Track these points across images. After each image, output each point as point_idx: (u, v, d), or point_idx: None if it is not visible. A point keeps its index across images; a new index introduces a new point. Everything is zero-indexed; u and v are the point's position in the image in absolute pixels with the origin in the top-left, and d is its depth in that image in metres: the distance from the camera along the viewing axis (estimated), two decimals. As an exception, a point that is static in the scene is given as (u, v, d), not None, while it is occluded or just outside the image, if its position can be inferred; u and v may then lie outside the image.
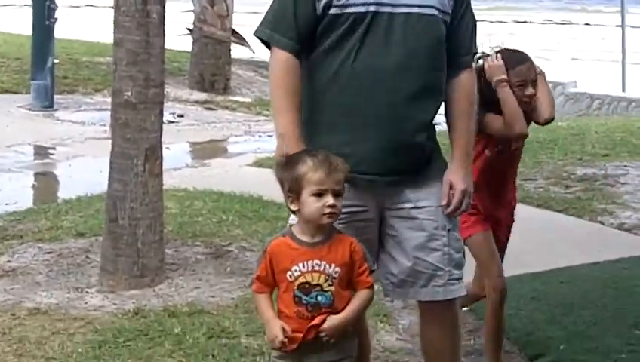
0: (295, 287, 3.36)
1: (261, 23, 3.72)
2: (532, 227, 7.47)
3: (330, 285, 3.36)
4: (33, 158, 10.91)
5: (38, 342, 4.95)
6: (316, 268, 3.35)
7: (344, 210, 3.49)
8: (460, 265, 3.78)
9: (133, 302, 5.58)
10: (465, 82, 3.78)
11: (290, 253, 3.37)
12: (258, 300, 3.47)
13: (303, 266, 3.35)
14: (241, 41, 16.15)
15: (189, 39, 15.64)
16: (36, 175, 10.12)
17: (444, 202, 3.71)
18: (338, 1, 3.58)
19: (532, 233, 7.24)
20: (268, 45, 3.70)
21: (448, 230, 3.74)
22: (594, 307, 5.42)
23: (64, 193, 8.82)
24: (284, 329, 3.36)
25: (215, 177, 9.49)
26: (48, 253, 6.47)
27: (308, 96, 3.65)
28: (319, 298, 3.36)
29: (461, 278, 3.79)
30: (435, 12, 3.64)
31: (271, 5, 3.73)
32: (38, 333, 5.07)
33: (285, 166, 3.42)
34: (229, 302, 5.59)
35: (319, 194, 3.33)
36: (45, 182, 10.11)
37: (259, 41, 3.75)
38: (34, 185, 9.90)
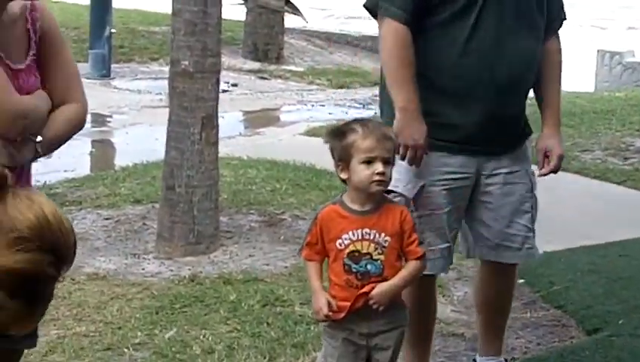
0: (345, 256, 3.36)
1: None
2: (589, 199, 7.45)
3: (379, 254, 3.35)
4: (91, 126, 11.01)
5: (97, 307, 5.04)
6: (366, 236, 3.35)
7: (447, 177, 3.65)
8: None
9: (189, 269, 5.66)
10: (555, 49, 3.88)
11: (340, 221, 3.37)
12: (307, 267, 3.48)
13: (353, 234, 3.35)
14: (295, 10, 16.17)
15: (243, 9, 15.67)
16: (94, 142, 10.24)
17: (544, 171, 3.86)
18: None
19: (589, 205, 7.22)
20: (374, 15, 3.71)
21: (534, 190, 3.90)
22: (653, 280, 5.37)
23: (121, 160, 8.92)
24: (329, 303, 3.36)
25: (268, 146, 9.54)
26: (106, 219, 6.57)
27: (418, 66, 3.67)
28: (369, 266, 3.35)
29: None
30: None
31: None
32: (97, 298, 5.16)
33: (335, 134, 3.43)
34: (282, 270, 5.65)
35: (368, 162, 3.31)
36: (103, 150, 10.23)
37: (366, 10, 3.76)
38: (92, 152, 10.02)
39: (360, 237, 3.34)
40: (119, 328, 4.76)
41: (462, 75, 3.65)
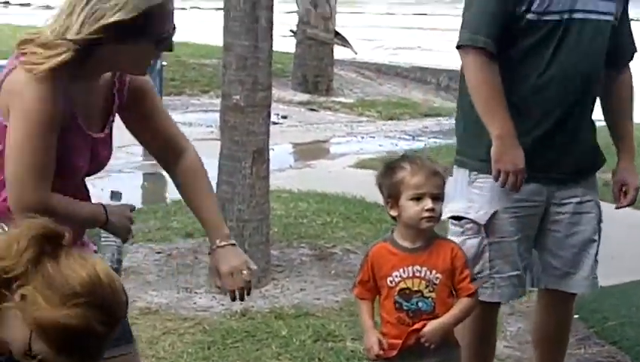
0: (395, 293, 3.36)
1: (471, 28, 3.70)
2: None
3: (431, 291, 3.35)
4: (143, 159, 11.11)
5: (150, 342, 5.05)
6: (417, 274, 3.35)
7: (517, 204, 3.67)
8: None
9: (241, 303, 5.62)
10: (627, 80, 3.94)
11: (390, 259, 3.37)
12: (359, 305, 3.49)
13: (404, 272, 3.35)
14: (344, 42, 16.23)
15: (292, 40, 15.75)
16: (145, 175, 10.31)
17: (621, 204, 3.92)
18: (536, 7, 3.64)
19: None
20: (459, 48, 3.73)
21: (601, 221, 3.92)
22: None
23: (173, 193, 8.94)
24: (380, 342, 3.37)
25: (318, 178, 9.54)
26: (158, 253, 6.60)
27: None
28: (420, 304, 3.36)
29: None
30: (611, 18, 3.76)
31: (467, 8, 3.75)
32: (150, 333, 5.17)
33: (384, 171, 3.43)
34: (334, 304, 5.63)
35: (417, 198, 3.32)
36: (154, 183, 10.29)
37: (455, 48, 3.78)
38: (144, 185, 10.09)
39: (411, 275, 3.34)
40: (171, 363, 4.78)
41: (538, 102, 3.69)
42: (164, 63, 13.54)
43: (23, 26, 19.75)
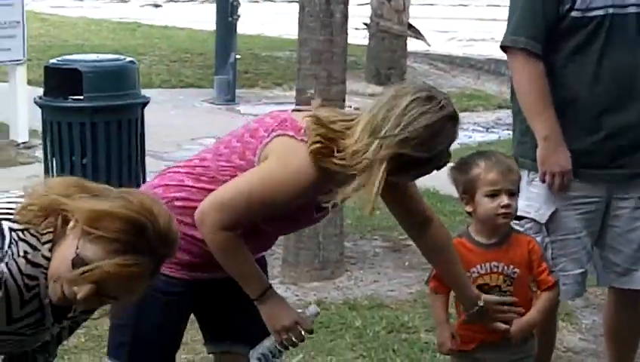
0: (475, 287, 3.38)
1: (512, 30, 3.74)
2: None
3: (509, 285, 3.38)
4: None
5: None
6: (494, 269, 3.38)
7: (579, 201, 3.68)
8: None
9: (315, 294, 5.72)
10: None
11: (467, 255, 3.40)
12: (433, 299, 3.53)
13: (481, 268, 3.39)
14: (417, 34, 16.18)
15: (364, 33, 15.76)
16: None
17: None
18: (580, 4, 3.64)
19: None
20: (505, 50, 3.75)
21: None
22: None
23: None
24: (453, 336, 3.41)
25: (392, 171, 9.55)
26: (233, 245, 6.67)
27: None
28: None
29: None
30: None
31: (511, 10, 3.77)
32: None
33: (459, 168, 3.45)
34: (407, 296, 5.67)
35: (493, 195, 3.34)
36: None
37: (500, 49, 3.81)
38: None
39: (489, 271, 3.38)
40: (247, 353, 4.84)
41: (593, 100, 3.67)
42: (238, 56, 13.64)
43: (96, 19, 20.05)
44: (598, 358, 4.70)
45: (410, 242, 6.56)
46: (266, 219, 3.05)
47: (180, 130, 10.29)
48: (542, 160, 3.66)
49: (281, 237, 6.32)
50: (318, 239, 6.01)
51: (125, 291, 2.42)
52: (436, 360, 4.67)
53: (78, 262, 2.35)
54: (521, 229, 3.69)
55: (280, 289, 5.79)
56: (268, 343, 3.12)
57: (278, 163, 2.95)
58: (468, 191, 3.40)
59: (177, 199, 3.06)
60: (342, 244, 6.18)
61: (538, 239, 3.65)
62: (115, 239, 2.35)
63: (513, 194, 3.37)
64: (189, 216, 3.02)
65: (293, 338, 3.07)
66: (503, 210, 3.34)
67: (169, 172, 3.17)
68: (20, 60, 8.84)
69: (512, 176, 3.38)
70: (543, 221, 3.68)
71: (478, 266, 3.39)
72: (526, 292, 3.42)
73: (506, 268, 3.38)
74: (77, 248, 2.36)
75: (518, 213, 3.65)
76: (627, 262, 3.83)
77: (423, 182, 8.99)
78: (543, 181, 3.68)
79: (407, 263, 6.25)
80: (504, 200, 3.34)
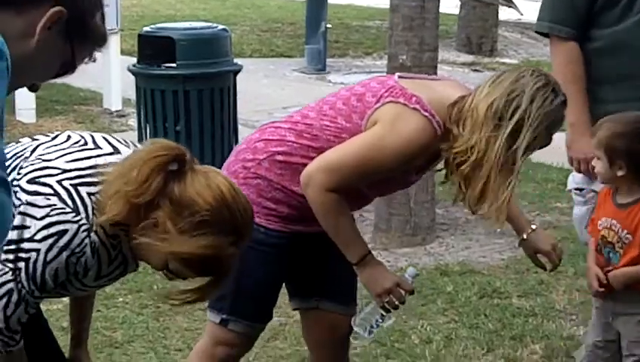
0: (599, 237, 3.50)
1: (539, 16, 3.76)
2: None
3: (620, 247, 3.44)
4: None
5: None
6: (613, 227, 3.45)
7: None
8: None
9: (406, 260, 5.74)
10: None
11: (605, 205, 3.51)
12: (590, 241, 3.62)
13: (605, 221, 3.47)
14: (509, 3, 16.00)
15: (457, 2, 15.65)
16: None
17: None
18: None
19: None
20: (546, 35, 3.75)
21: None
22: None
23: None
24: (598, 277, 3.48)
25: (483, 139, 9.50)
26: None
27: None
28: (610, 255, 3.47)
29: None
30: None
31: None
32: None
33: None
34: (499, 262, 5.66)
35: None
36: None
37: (538, 34, 3.83)
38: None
39: (609, 226, 3.46)
40: (339, 316, 4.88)
41: (636, 77, 3.60)
42: (329, 26, 13.66)
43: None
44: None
45: (502, 209, 6.60)
46: (370, 183, 3.08)
47: (271, 98, 10.37)
48: (567, 145, 3.69)
49: (372, 203, 6.40)
50: (409, 205, 6.03)
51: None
52: (528, 325, 4.67)
53: (166, 271, 2.45)
54: (583, 200, 3.74)
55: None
56: (369, 308, 3.16)
57: (389, 129, 2.99)
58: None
59: (279, 153, 3.11)
60: (433, 211, 6.18)
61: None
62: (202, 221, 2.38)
63: (598, 158, 3.42)
64: (289, 171, 3.07)
65: (395, 301, 3.10)
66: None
67: (270, 127, 3.22)
68: (113, 29, 8.93)
69: (593, 140, 3.43)
70: (599, 189, 3.66)
71: (604, 219, 3.48)
72: (636, 261, 3.42)
73: (621, 230, 3.43)
74: (166, 263, 2.42)
75: (580, 185, 3.68)
76: None
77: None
78: (571, 164, 3.70)
79: (498, 230, 6.22)
80: (593, 160, 3.45)
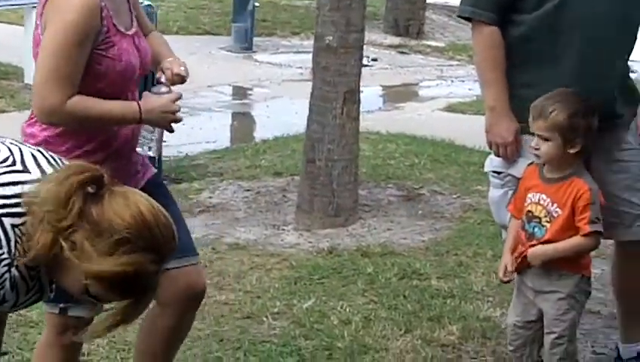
0: (524, 212, 3.57)
1: (462, 0, 3.77)
2: None
3: (547, 221, 3.51)
4: (232, 98, 11.25)
5: (237, 276, 5.17)
6: (541, 201, 3.53)
7: None
8: None
9: (328, 241, 5.75)
10: None
11: (531, 181, 3.58)
12: (509, 222, 3.68)
13: (533, 196, 3.54)
14: (437, -15, 16.08)
15: (385, -17, 15.68)
16: (235, 115, 10.44)
17: (639, 132, 3.78)
18: None
19: None
20: (469, 19, 3.76)
21: None
22: None
23: (261, 133, 9.08)
24: (505, 268, 3.59)
25: (407, 121, 9.56)
26: (247, 190, 6.72)
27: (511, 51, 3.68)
28: (535, 229, 3.54)
29: None
30: None
31: None
32: (237, 268, 5.30)
33: None
34: (420, 244, 5.70)
35: (533, 134, 3.52)
36: (243, 122, 10.43)
37: (461, 18, 3.85)
38: (232, 124, 10.22)
39: (536, 200, 3.54)
40: (258, 297, 4.88)
41: (560, 59, 3.62)
42: (257, 4, 13.60)
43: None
44: (605, 306, 4.73)
45: (424, 191, 6.66)
46: (95, 76, 3.10)
47: (197, 77, 10.23)
48: (486, 129, 3.71)
49: (295, 185, 6.41)
50: (332, 186, 6.04)
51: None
52: (446, 306, 4.71)
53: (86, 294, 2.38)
54: (501, 182, 3.77)
55: (293, 236, 5.87)
56: (142, 132, 3.30)
57: (56, 20, 3.05)
58: None
59: (48, 138, 3.15)
60: (356, 192, 6.20)
61: (512, 193, 3.72)
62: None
63: (545, 138, 3.48)
64: (63, 140, 3.14)
65: (172, 116, 3.23)
66: (532, 151, 3.53)
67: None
68: (34, 3, 8.86)
69: (541, 122, 3.48)
70: (519, 175, 3.69)
71: (531, 194, 3.55)
72: (563, 235, 3.49)
73: (550, 204, 3.50)
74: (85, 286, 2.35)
75: (497, 169, 3.72)
76: (607, 215, 3.67)
77: (439, 132, 9.03)
78: (490, 147, 3.73)
79: (420, 212, 6.27)
80: (533, 141, 3.52)
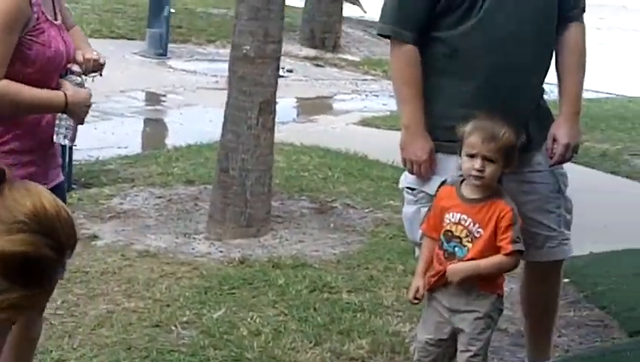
0: (442, 232, 3.56)
1: (380, 17, 3.78)
2: (636, 203, 7.44)
3: (469, 241, 3.52)
4: (145, 104, 11.16)
5: (147, 284, 5.11)
6: (462, 222, 3.52)
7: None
8: (570, 226, 3.92)
9: (239, 251, 5.73)
10: (573, 37, 3.81)
11: (449, 202, 3.57)
12: (423, 242, 3.67)
13: (453, 216, 3.53)
14: (354, 0, 16.20)
15: (302, -5, 15.74)
16: (147, 121, 10.36)
17: (551, 161, 3.79)
18: None
19: (636, 209, 7.20)
20: (388, 37, 3.77)
21: (561, 191, 3.86)
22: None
23: (174, 140, 9.02)
24: (417, 290, 3.60)
25: (321, 133, 9.59)
26: (159, 197, 6.66)
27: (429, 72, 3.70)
28: (456, 249, 3.54)
29: (570, 238, 3.91)
30: None
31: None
32: (147, 275, 5.24)
33: (465, 122, 3.54)
34: (331, 257, 5.70)
35: (472, 156, 3.48)
36: (156, 129, 10.35)
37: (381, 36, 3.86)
38: (145, 130, 10.14)
39: (457, 221, 3.53)
40: (168, 306, 4.83)
41: (477, 79, 3.65)
42: (173, 10, 13.54)
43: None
44: (513, 324, 4.78)
45: (336, 204, 6.68)
46: (24, 61, 3.15)
47: (109, 81, 10.13)
48: (401, 146, 3.74)
49: (208, 193, 6.37)
50: (245, 196, 6.02)
51: None
52: (356, 320, 4.72)
53: None
54: (414, 199, 3.79)
55: (204, 245, 5.83)
56: (61, 121, 3.34)
57: None
58: (460, 145, 3.55)
59: None
60: (269, 203, 6.19)
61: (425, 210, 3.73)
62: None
63: (492, 161, 3.48)
64: None
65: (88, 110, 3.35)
66: (474, 173, 3.49)
67: None
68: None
69: (492, 144, 3.48)
70: (432, 192, 3.72)
71: (451, 214, 3.54)
72: (485, 254, 3.51)
73: (472, 225, 3.51)
74: None
75: (411, 185, 3.74)
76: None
77: (352, 146, 9.07)
78: (405, 165, 3.75)
79: (332, 225, 6.28)
80: (477, 164, 3.47)
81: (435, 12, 3.65)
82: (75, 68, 3.38)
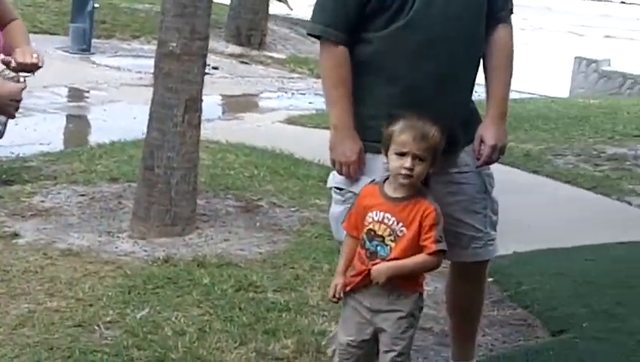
0: (364, 231, 3.54)
1: (311, 17, 3.76)
2: (559, 203, 7.55)
3: (392, 241, 3.51)
4: (68, 100, 11.02)
5: (69, 283, 5.04)
6: (385, 220, 3.51)
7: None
8: (495, 226, 3.94)
9: (164, 250, 5.68)
10: (501, 39, 3.82)
11: (372, 200, 3.55)
12: (344, 240, 3.67)
13: (376, 215, 3.52)
14: (280, -3, 16.18)
15: (228, -8, 15.67)
16: (70, 117, 10.23)
17: (478, 163, 3.81)
18: None
19: (560, 209, 7.30)
20: (318, 37, 3.75)
21: (487, 192, 3.88)
22: (619, 286, 5.41)
23: (98, 137, 8.92)
24: (335, 287, 3.59)
25: (247, 131, 9.56)
26: (82, 195, 6.58)
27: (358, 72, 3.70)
28: (378, 248, 3.52)
29: (496, 238, 3.94)
30: None
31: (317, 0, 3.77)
32: (70, 274, 5.17)
33: (390, 119, 3.53)
34: (257, 256, 5.68)
35: (402, 154, 3.47)
36: (79, 125, 10.22)
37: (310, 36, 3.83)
38: (68, 127, 10.01)
39: (380, 219, 3.52)
40: (91, 305, 4.77)
41: (406, 80, 3.66)
42: (96, 5, 13.38)
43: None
44: (438, 323, 4.81)
45: (262, 203, 6.65)
46: None
47: (32, 77, 10.04)
48: (330, 147, 3.73)
49: (132, 191, 6.30)
50: (170, 195, 5.96)
51: None
52: (282, 319, 4.70)
53: None
54: (342, 198, 3.78)
55: (128, 244, 5.76)
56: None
57: None
58: (385, 145, 3.53)
59: None
60: (194, 201, 6.14)
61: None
62: None
63: (421, 159, 3.48)
64: None
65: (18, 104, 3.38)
66: (404, 171, 3.48)
67: None
68: None
69: (423, 143, 3.48)
70: (358, 191, 3.72)
71: (374, 213, 3.53)
72: (408, 254, 3.51)
73: (395, 223, 3.50)
74: None
75: (340, 185, 3.74)
76: (447, 235, 3.67)
77: (278, 144, 9.05)
78: (334, 166, 3.75)
79: (258, 224, 6.26)
80: (407, 162, 3.47)
81: (365, 13, 3.64)
82: (13, 63, 3.38)
